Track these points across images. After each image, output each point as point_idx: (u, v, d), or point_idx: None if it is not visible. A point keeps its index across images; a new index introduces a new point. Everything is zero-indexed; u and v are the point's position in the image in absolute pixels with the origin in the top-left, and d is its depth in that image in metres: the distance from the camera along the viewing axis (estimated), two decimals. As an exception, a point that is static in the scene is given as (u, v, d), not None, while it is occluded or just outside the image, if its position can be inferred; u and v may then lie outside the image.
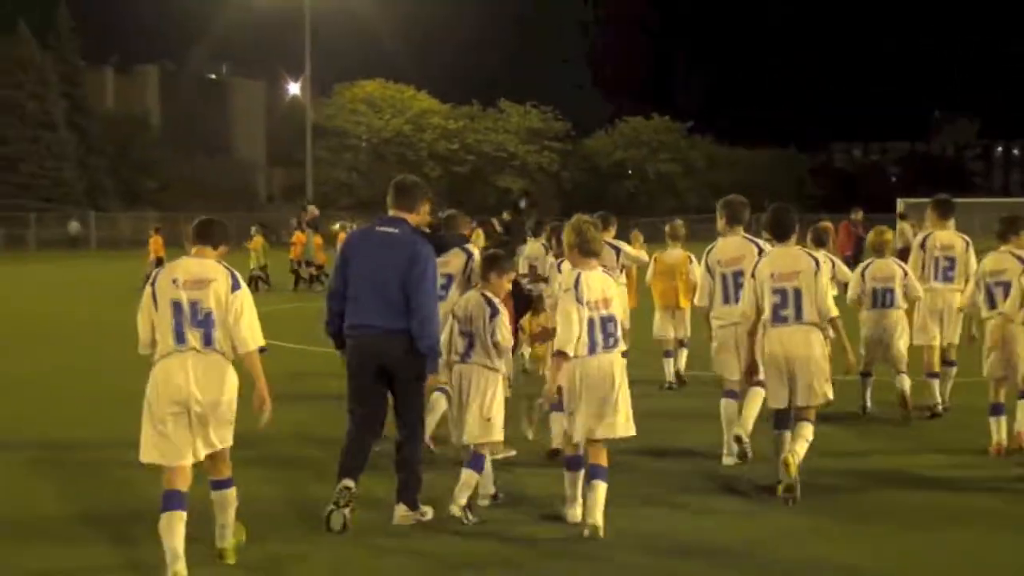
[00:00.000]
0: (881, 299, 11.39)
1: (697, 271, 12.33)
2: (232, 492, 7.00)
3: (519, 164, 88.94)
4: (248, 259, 31.19)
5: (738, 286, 9.18)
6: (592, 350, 7.50)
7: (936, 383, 11.56)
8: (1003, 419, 9.65)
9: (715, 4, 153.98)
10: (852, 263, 16.55)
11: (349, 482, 7.60)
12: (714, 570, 7.02)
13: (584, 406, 7.55)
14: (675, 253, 13.73)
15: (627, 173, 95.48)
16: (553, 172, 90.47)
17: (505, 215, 22.99)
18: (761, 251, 9.13)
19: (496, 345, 7.89)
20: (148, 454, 6.77)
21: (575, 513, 7.70)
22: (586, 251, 7.63)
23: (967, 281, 11.18)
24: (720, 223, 9.66)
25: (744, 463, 9.18)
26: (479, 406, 7.83)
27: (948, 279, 11.50)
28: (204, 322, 6.74)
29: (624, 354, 7.70)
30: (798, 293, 8.37)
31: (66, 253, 58.69)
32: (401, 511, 7.72)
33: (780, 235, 8.71)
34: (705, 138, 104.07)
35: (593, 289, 7.51)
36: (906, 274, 11.39)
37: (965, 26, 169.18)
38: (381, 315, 7.56)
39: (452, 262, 9.63)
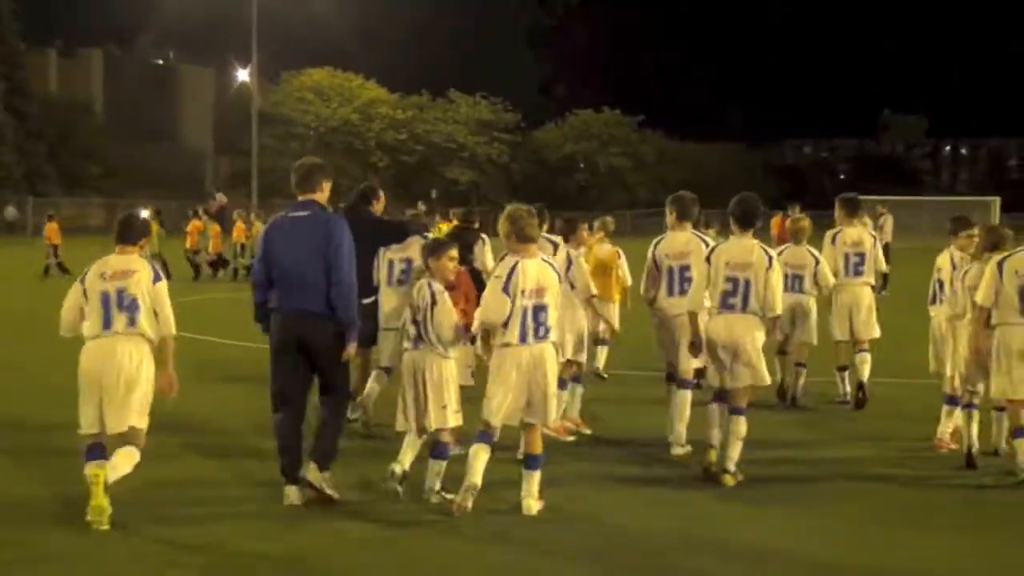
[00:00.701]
0: (791, 284, 11.57)
1: (626, 266, 13.50)
2: (135, 454, 7.58)
3: (468, 155, 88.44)
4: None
5: (684, 279, 9.52)
6: (523, 339, 7.65)
7: (846, 374, 12.10)
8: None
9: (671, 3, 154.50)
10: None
11: (301, 476, 7.99)
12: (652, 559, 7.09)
13: (511, 394, 7.72)
14: (606, 248, 13.69)
15: (577, 166, 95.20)
16: (502, 164, 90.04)
17: (421, 205, 23.98)
18: (708, 246, 9.35)
19: (437, 336, 7.96)
20: (84, 427, 7.65)
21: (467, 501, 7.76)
22: (523, 237, 7.77)
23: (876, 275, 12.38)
24: (670, 218, 9.93)
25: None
26: (434, 394, 7.95)
27: (859, 273, 12.03)
28: (130, 307, 7.59)
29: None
30: (748, 284, 8.59)
31: (1, 239, 57.51)
32: (312, 468, 7.92)
33: (744, 225, 8.89)
34: (656, 132, 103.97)
35: (528, 277, 7.64)
36: (818, 262, 11.78)
37: (914, 25, 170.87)
38: (299, 297, 7.87)
39: (412, 246, 10.25)
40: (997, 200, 73.73)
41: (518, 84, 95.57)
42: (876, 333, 12.02)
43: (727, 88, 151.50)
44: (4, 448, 9.77)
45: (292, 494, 7.98)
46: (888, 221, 30.19)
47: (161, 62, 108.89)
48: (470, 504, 7.69)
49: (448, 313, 7.93)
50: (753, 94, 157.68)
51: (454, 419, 8.04)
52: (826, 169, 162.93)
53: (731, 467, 8.69)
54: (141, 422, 7.64)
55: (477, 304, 8.41)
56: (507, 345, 7.64)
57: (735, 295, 8.63)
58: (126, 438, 7.60)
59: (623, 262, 13.51)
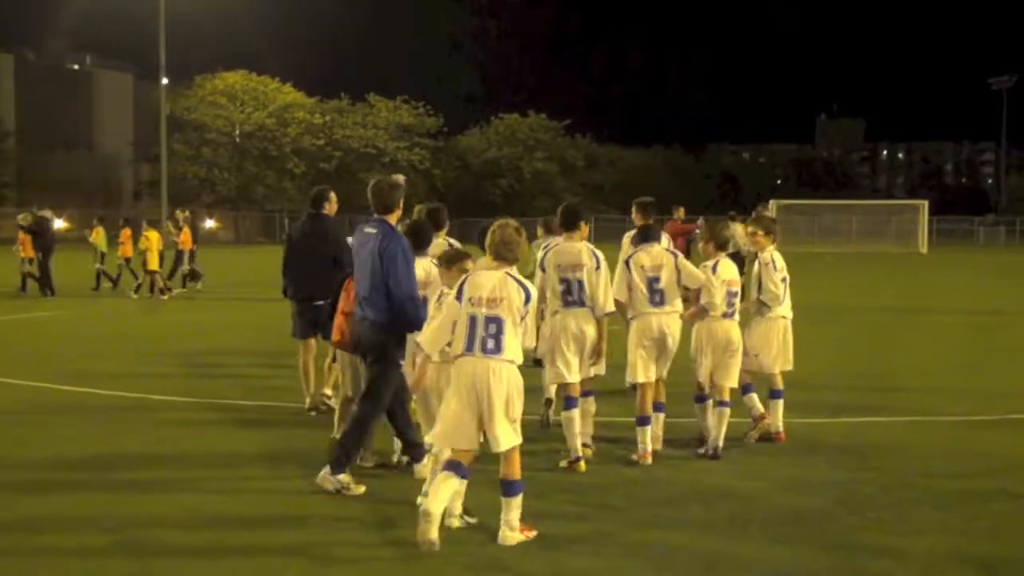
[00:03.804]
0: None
1: None
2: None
3: (388, 161, 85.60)
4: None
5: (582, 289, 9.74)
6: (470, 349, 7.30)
7: None
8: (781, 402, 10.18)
9: (604, 2, 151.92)
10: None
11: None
12: None
13: None
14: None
15: (502, 172, 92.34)
16: (424, 170, 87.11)
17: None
18: (596, 255, 9.51)
19: None
20: None
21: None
22: (497, 255, 7.35)
23: None
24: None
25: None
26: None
27: None
28: None
29: None
30: (580, 283, 9.24)
31: None
32: (324, 472, 8.27)
33: (567, 227, 9.52)
34: (585, 137, 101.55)
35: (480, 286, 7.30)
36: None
37: (850, 30, 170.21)
38: (359, 304, 8.62)
39: None
40: (925, 204, 72.15)
41: (440, 88, 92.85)
42: None
43: (661, 93, 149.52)
44: None
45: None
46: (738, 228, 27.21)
47: (77, 67, 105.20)
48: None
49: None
50: (689, 99, 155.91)
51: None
52: (763, 174, 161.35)
53: (589, 441, 9.41)
54: None
55: None
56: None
57: (571, 294, 9.24)
58: None
59: None
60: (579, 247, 9.44)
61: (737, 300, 9.69)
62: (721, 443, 9.39)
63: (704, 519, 7.58)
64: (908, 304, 26.40)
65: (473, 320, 7.05)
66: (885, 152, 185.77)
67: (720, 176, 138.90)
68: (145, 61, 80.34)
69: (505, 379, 7.03)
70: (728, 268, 9.69)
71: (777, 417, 10.02)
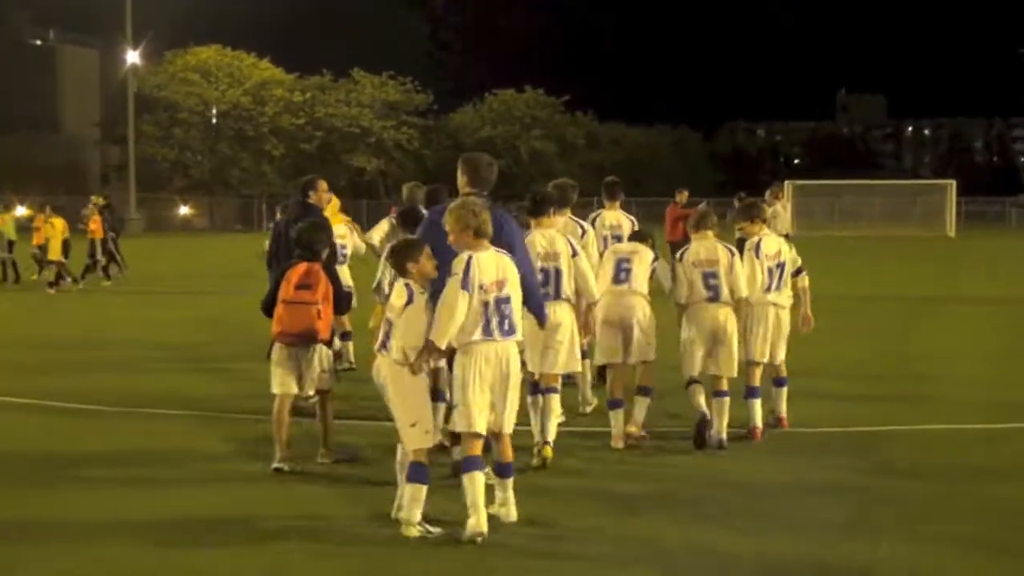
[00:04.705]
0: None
1: None
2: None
3: (374, 141, 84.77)
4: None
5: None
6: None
7: None
8: (758, 401, 10.10)
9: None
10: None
11: None
12: None
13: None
14: None
15: (497, 152, 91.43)
16: (413, 150, 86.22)
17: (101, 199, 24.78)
18: (571, 242, 9.68)
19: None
20: None
21: (479, 522, 7.23)
22: (480, 232, 7.52)
23: None
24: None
25: None
26: (399, 411, 7.70)
27: None
28: None
29: None
30: (559, 272, 9.37)
31: None
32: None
33: (534, 214, 9.67)
34: (586, 115, 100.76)
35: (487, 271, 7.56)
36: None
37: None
38: None
39: None
40: (953, 184, 71.35)
41: (430, 62, 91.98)
42: None
43: (669, 67, 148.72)
44: None
45: None
46: (783, 210, 26.24)
47: (39, 42, 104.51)
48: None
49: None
50: (699, 73, 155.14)
51: (421, 440, 7.55)
52: (779, 153, 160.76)
53: (550, 439, 9.19)
54: None
55: (335, 304, 9.14)
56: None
57: (547, 284, 9.25)
58: None
59: None
60: (553, 235, 9.59)
61: (717, 282, 9.75)
62: (724, 435, 9.65)
63: (698, 518, 7.70)
64: (934, 292, 25.87)
65: (486, 306, 7.33)
66: (910, 129, 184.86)
67: (732, 155, 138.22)
68: (111, 35, 79.25)
69: (519, 361, 7.62)
70: (699, 249, 9.87)
71: (756, 410, 10.11)
